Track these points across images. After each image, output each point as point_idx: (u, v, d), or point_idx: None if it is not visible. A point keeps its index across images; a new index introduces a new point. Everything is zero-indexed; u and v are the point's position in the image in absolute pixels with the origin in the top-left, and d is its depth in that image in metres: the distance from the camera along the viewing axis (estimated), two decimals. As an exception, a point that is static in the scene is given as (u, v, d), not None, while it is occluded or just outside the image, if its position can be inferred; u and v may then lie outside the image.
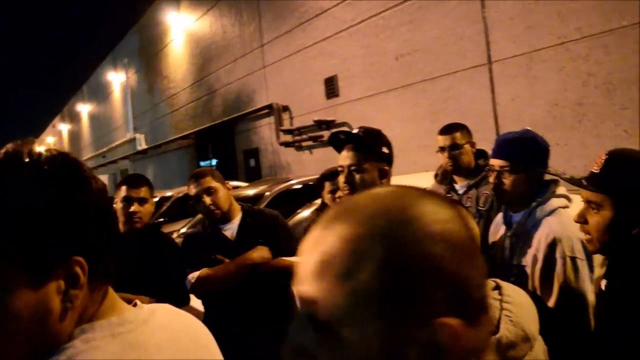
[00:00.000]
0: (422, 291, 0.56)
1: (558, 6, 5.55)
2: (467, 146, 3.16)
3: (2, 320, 0.73)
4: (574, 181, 1.78)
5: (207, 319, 2.90)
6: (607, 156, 1.64)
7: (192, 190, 2.86)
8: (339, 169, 2.16)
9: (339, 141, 2.19)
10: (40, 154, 0.80)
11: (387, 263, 0.56)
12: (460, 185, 3.17)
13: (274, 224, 2.97)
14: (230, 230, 2.91)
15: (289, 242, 2.91)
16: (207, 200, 2.82)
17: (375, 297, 0.56)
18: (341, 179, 2.13)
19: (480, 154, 3.25)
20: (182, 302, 2.91)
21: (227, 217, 2.91)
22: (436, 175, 3.47)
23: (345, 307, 0.57)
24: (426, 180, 3.60)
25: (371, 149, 2.10)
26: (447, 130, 3.21)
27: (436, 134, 3.27)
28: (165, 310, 0.98)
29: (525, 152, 2.18)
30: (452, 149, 3.13)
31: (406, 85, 7.84)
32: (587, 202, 1.66)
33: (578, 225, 1.73)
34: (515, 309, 1.14)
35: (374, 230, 0.59)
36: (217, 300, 2.86)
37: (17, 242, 0.73)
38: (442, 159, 3.23)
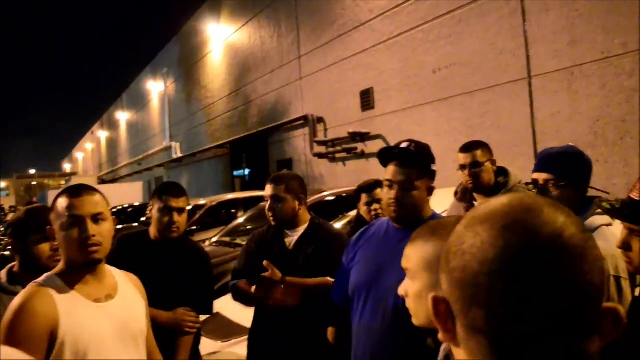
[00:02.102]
0: None
1: (603, 20, 5.44)
2: (487, 164, 3.13)
3: None
4: (614, 212, 1.67)
5: (254, 329, 2.95)
6: None
7: (266, 191, 2.90)
8: (386, 183, 2.07)
9: (388, 154, 2.11)
10: None
11: None
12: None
13: (335, 244, 2.84)
14: (292, 238, 2.90)
15: None
16: (268, 207, 2.87)
17: None
18: (389, 194, 2.05)
19: (500, 172, 3.21)
20: (205, 312, 2.91)
21: (293, 224, 2.92)
22: (456, 193, 3.44)
23: None
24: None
25: (424, 166, 2.05)
26: (468, 148, 3.17)
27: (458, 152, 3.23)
28: None
29: (571, 166, 2.13)
30: (473, 167, 3.10)
31: (443, 99, 7.77)
32: (630, 230, 1.59)
33: None
34: None
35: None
36: (261, 314, 2.90)
37: None
38: (463, 177, 3.20)
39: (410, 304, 1.31)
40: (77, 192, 1.81)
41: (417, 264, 1.31)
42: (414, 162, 2.04)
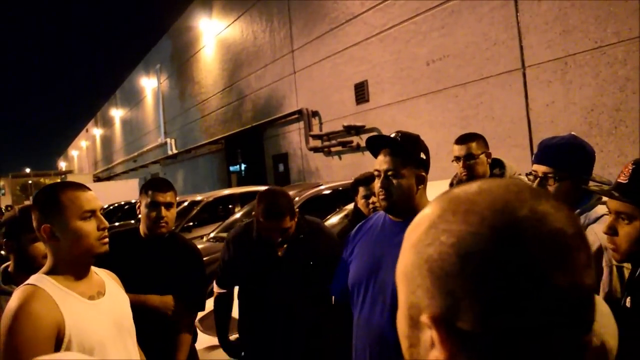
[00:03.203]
0: None
1: (595, 10, 5.44)
2: (482, 156, 3.13)
3: None
4: (604, 192, 1.71)
5: (241, 324, 2.92)
6: (634, 166, 1.58)
7: (265, 225, 2.68)
8: (375, 173, 2.10)
9: (375, 145, 2.13)
10: None
11: None
12: None
13: (331, 246, 2.75)
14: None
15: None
16: (274, 237, 2.70)
17: None
18: (377, 183, 2.08)
19: (496, 164, 3.21)
20: (198, 309, 2.89)
21: None
22: (451, 184, 3.43)
23: None
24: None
25: (409, 155, 2.05)
26: (463, 140, 3.17)
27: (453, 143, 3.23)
28: None
29: (571, 158, 2.10)
30: (468, 159, 3.11)
31: (437, 91, 7.77)
32: (617, 213, 1.61)
33: None
34: (599, 317, 1.04)
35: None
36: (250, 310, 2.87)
37: None
38: (457, 169, 3.21)
39: None
40: (82, 187, 1.83)
41: None
42: (399, 150, 2.05)
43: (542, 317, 0.53)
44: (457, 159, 3.16)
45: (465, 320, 0.55)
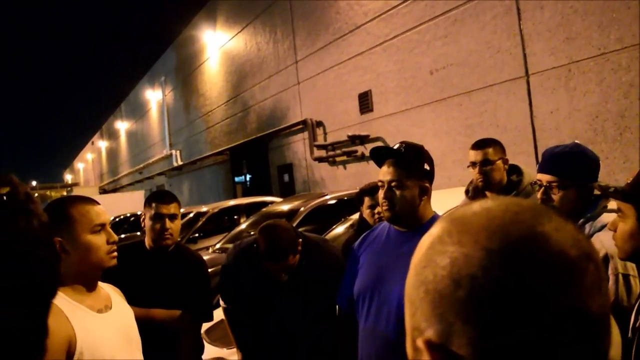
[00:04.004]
0: None
1: (598, 16, 5.44)
2: (499, 162, 3.05)
3: None
4: (601, 188, 1.77)
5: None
6: None
7: (267, 264, 2.62)
8: (379, 183, 2.11)
9: (379, 155, 2.13)
10: None
11: None
12: None
13: (334, 263, 2.71)
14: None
15: None
16: (281, 275, 2.66)
17: None
18: (381, 194, 2.08)
19: (513, 170, 3.16)
20: (206, 319, 2.90)
21: None
22: (467, 191, 3.36)
23: None
24: (460, 195, 3.52)
25: (413, 166, 2.05)
26: (480, 145, 3.10)
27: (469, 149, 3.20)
28: None
29: (575, 167, 2.11)
30: (484, 165, 3.03)
31: (441, 100, 7.77)
32: (618, 210, 1.64)
33: None
34: None
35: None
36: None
37: None
38: (473, 175, 3.13)
39: None
40: (91, 200, 1.83)
41: None
42: (403, 161, 2.05)
43: (540, 342, 0.50)
44: (473, 164, 3.07)
45: (460, 346, 0.52)
